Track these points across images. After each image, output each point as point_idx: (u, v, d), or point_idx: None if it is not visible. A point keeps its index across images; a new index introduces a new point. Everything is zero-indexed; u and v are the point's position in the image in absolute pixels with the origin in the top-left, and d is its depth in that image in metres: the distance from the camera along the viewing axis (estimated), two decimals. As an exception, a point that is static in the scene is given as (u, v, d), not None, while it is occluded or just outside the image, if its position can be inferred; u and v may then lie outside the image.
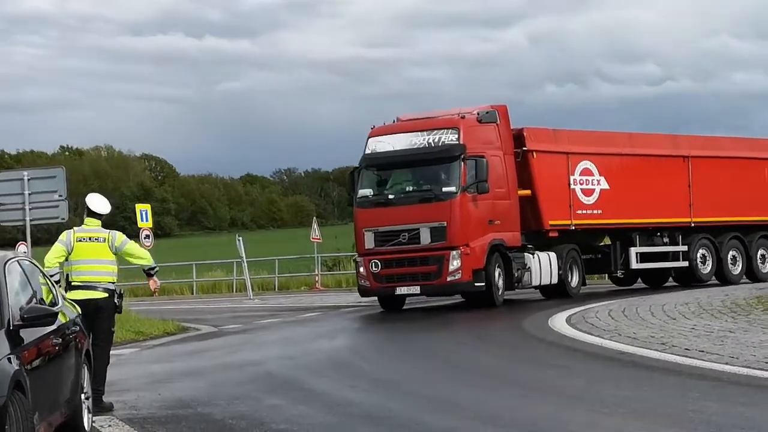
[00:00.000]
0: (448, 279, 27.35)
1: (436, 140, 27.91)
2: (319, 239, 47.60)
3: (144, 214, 41.12)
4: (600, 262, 34.60)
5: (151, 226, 41.72)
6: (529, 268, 29.96)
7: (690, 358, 15.95)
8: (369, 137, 29.20)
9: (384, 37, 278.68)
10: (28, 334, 10.14)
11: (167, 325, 27.96)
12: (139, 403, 14.27)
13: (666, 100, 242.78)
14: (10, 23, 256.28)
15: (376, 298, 29.87)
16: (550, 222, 31.01)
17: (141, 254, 14.66)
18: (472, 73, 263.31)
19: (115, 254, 14.27)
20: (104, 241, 14.15)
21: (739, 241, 35.73)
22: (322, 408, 13.64)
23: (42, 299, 11.34)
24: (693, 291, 30.76)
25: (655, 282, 36.62)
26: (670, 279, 36.60)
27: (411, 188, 28.96)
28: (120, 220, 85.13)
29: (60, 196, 24.76)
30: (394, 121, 29.99)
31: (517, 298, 32.40)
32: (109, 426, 12.46)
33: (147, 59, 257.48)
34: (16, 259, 11.47)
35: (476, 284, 27.55)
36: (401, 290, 28.16)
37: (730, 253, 35.50)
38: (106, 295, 13.99)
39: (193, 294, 50.39)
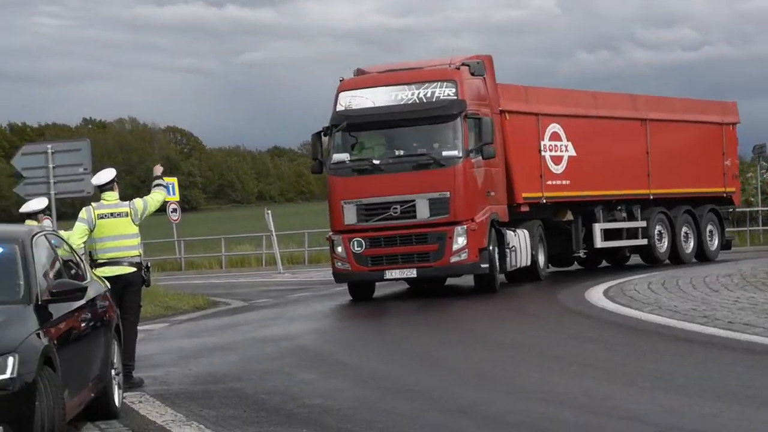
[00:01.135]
0: (452, 260, 23.20)
1: (428, 95, 23.57)
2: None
3: (170, 187, 41.21)
4: (560, 241, 29.52)
5: (178, 199, 42.03)
6: (514, 247, 26.05)
7: (734, 331, 15.89)
8: (339, 92, 24.35)
9: (410, 5, 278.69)
10: (57, 310, 10.20)
11: (197, 299, 28.08)
12: (169, 378, 14.34)
13: (703, 66, 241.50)
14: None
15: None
16: (523, 194, 26.78)
17: (160, 198, 14.88)
18: (502, 41, 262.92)
19: (138, 225, 14.28)
20: (126, 215, 14.18)
21: (690, 216, 32.40)
22: (354, 382, 13.69)
23: (75, 272, 11.36)
24: (736, 262, 30.59)
25: (616, 261, 33.20)
26: (630, 258, 33.28)
27: (401, 152, 24.16)
28: (146, 194, 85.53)
29: (85, 169, 24.75)
30: (354, 73, 25.43)
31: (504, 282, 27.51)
32: (140, 402, 12.53)
33: (168, 29, 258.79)
34: (44, 233, 11.53)
35: (482, 265, 23.60)
36: (392, 274, 23.58)
37: (683, 229, 32.08)
38: (134, 269, 14.04)
39: (222, 268, 50.51)
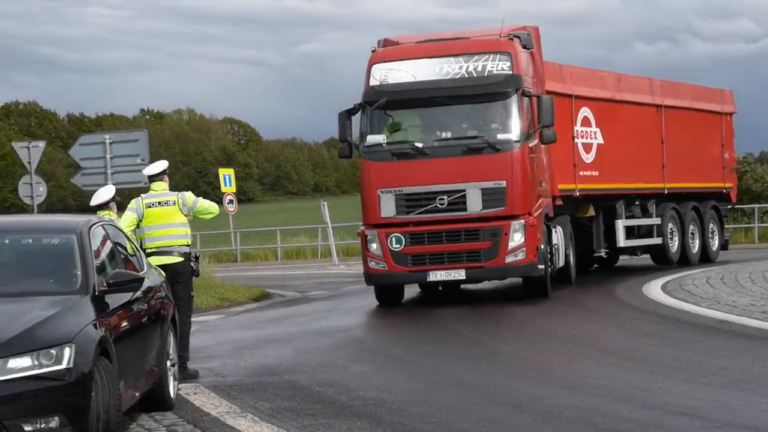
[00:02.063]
0: (507, 259, 19.76)
1: (479, 68, 20.02)
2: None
3: (227, 178, 41.46)
4: (582, 240, 26.08)
5: (234, 191, 42.17)
6: (557, 246, 22.98)
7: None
8: (372, 63, 20.79)
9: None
10: (114, 300, 10.30)
11: (252, 291, 28.14)
12: (224, 370, 14.43)
13: (764, 59, 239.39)
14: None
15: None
16: (559, 186, 23.45)
17: (211, 209, 14.71)
18: (560, 32, 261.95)
19: (186, 215, 14.36)
20: (174, 204, 14.26)
21: (696, 213, 29.70)
22: (409, 375, 13.73)
23: (131, 263, 11.47)
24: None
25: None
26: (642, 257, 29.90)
27: (448, 134, 20.73)
28: (202, 185, 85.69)
29: (142, 159, 24.89)
30: (378, 45, 21.76)
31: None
32: (195, 393, 12.62)
33: (225, 20, 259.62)
34: (101, 223, 11.61)
35: (539, 266, 20.43)
36: (436, 275, 19.98)
37: (690, 227, 29.26)
38: (182, 259, 14.11)
39: (277, 260, 50.56)
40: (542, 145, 21.53)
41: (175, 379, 12.27)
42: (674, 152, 27.96)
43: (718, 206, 31.12)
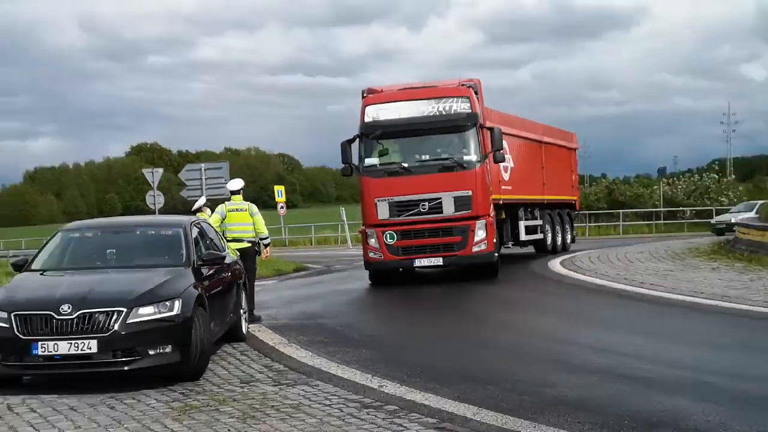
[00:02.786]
0: (474, 249, 18.56)
1: (447, 108, 18.84)
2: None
3: (279, 192, 41.44)
4: (498, 234, 22.25)
5: (284, 200, 42.05)
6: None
7: (643, 289, 15.84)
8: (366, 105, 19.22)
9: (438, 78, 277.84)
10: (206, 271, 10.34)
11: (295, 264, 28.15)
12: (278, 316, 14.42)
13: (626, 117, 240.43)
14: (190, 68, 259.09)
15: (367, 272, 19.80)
16: (492, 196, 20.97)
17: (261, 225, 14.48)
18: (494, 97, 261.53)
19: (252, 217, 14.36)
20: (245, 210, 14.25)
21: (559, 217, 28.37)
22: (399, 320, 13.76)
23: (215, 247, 11.49)
24: (644, 244, 30.36)
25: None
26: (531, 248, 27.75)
27: (426, 156, 19.23)
28: (263, 197, 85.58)
29: (224, 180, 25.02)
30: (364, 92, 19.84)
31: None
32: (259, 331, 12.60)
33: (279, 91, 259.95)
34: (198, 221, 11.68)
35: (495, 254, 19.28)
36: (421, 262, 18.82)
37: (557, 226, 27.92)
38: (250, 244, 14.09)
39: (311, 245, 50.54)
40: (488, 166, 19.53)
41: (245, 322, 12.27)
42: (549, 174, 27.05)
43: (570, 212, 30.36)
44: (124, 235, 10.99)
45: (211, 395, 8.52)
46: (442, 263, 18.80)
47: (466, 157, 18.67)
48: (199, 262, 10.19)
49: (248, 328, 12.41)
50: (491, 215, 19.18)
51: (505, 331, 12.33)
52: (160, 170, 28.03)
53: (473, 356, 10.17)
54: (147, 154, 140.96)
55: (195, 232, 10.89)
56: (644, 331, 11.25)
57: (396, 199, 18.49)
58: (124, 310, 8.73)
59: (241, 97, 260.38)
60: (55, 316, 8.64)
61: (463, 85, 19.31)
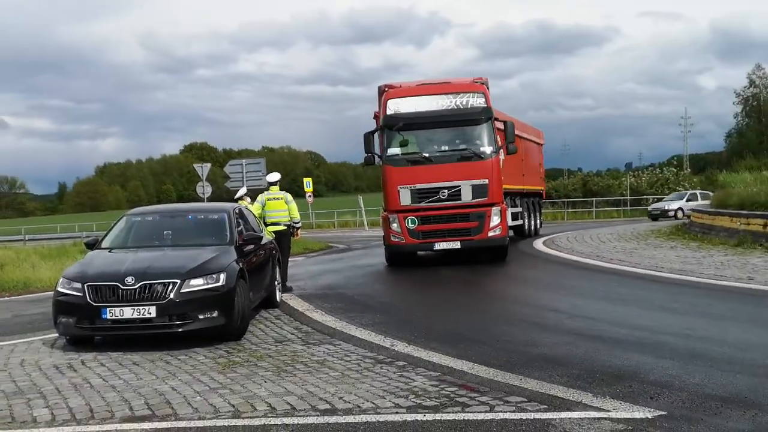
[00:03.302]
0: (489, 234, 17.00)
1: (464, 103, 17.23)
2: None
3: (308, 183, 41.43)
4: None
5: (312, 190, 41.99)
6: None
7: (612, 264, 15.78)
8: (387, 99, 17.43)
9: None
10: (247, 249, 10.32)
11: (321, 244, 28.20)
12: (306, 287, 14.42)
13: (597, 120, 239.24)
14: (232, 79, 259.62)
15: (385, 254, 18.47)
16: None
17: (294, 211, 14.46)
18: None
19: (287, 205, 14.35)
20: (281, 199, 14.24)
21: (532, 205, 27.15)
22: (407, 290, 13.75)
23: (253, 229, 11.51)
24: (613, 227, 30.23)
25: None
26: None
27: (445, 147, 17.32)
28: (294, 187, 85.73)
29: (262, 174, 25.12)
30: (382, 89, 18.06)
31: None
32: (290, 299, 12.59)
33: (306, 98, 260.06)
34: (239, 208, 11.66)
35: (507, 238, 17.72)
36: (440, 246, 17.09)
37: (531, 213, 26.73)
38: (285, 227, 14.09)
39: (335, 228, 50.57)
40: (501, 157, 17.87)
41: (279, 292, 12.29)
42: (527, 166, 25.84)
43: (539, 201, 29.22)
44: (178, 219, 10.99)
45: (250, 352, 8.55)
46: (459, 246, 17.09)
47: (482, 148, 17.03)
48: (240, 242, 10.19)
49: (281, 296, 12.44)
50: (504, 202, 17.83)
51: (497, 299, 12.33)
52: (208, 165, 28.07)
53: (470, 321, 10.16)
54: (197, 151, 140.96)
55: (237, 216, 10.90)
56: (611, 299, 11.21)
57: (418, 186, 16.96)
58: (178, 281, 8.76)
59: (274, 103, 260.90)
60: (121, 286, 8.69)
61: (476, 81, 17.75)
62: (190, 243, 10.03)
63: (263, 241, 11.39)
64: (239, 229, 10.58)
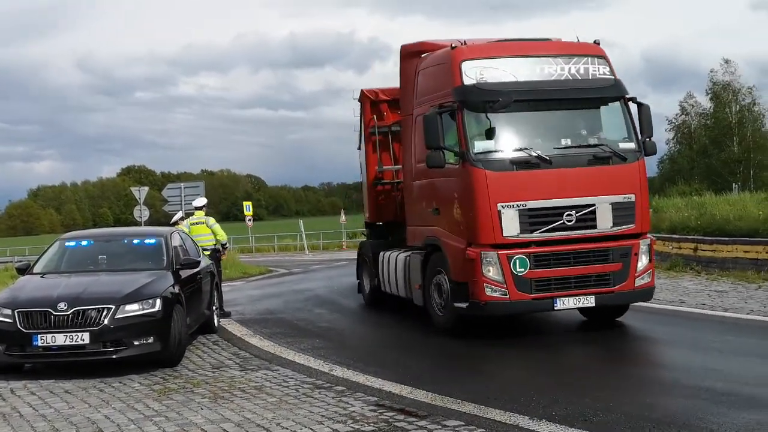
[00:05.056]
0: (637, 283, 10.07)
1: (581, 71, 10.33)
2: (344, 221, 47.61)
3: (247, 207, 41.30)
4: None
5: (252, 214, 41.92)
6: None
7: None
8: (461, 60, 10.18)
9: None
10: (184, 273, 10.20)
11: (260, 268, 27.91)
12: (244, 311, 14.29)
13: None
14: (172, 101, 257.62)
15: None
16: None
17: (219, 234, 14.30)
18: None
19: (210, 229, 14.21)
20: (203, 223, 14.10)
21: None
22: (346, 315, 13.62)
23: (191, 253, 11.37)
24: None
25: None
26: None
27: (567, 141, 10.22)
28: (234, 211, 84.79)
29: (200, 197, 24.88)
30: (410, 50, 11.81)
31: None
32: (228, 324, 12.46)
33: (247, 122, 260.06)
34: (177, 231, 11.58)
35: (654, 289, 10.61)
36: (564, 303, 9.79)
37: None
38: (209, 252, 13.80)
39: (275, 251, 50.19)
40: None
41: (217, 317, 12.15)
42: None
43: None
44: (114, 244, 10.86)
45: (187, 379, 8.42)
46: (594, 304, 10.00)
47: (622, 145, 10.30)
48: (178, 266, 10.06)
49: (219, 321, 12.30)
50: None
51: (425, 326, 12.30)
52: (146, 188, 27.80)
53: (407, 343, 10.17)
54: (135, 174, 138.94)
55: (174, 240, 10.77)
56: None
57: (531, 204, 9.80)
58: (113, 306, 8.61)
59: (215, 126, 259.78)
60: (53, 312, 8.50)
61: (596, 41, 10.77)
62: (126, 268, 9.88)
63: (201, 266, 11.26)
64: (176, 253, 10.45)
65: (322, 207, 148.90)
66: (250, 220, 42.07)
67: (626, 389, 7.20)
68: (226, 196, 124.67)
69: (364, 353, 9.44)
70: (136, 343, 8.66)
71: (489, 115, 9.97)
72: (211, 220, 14.28)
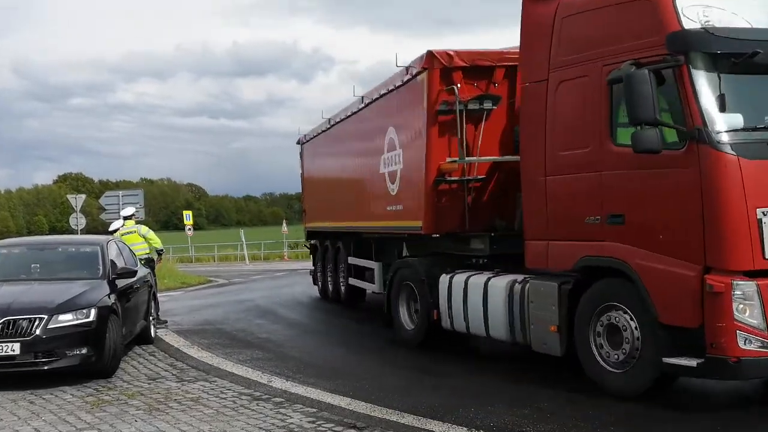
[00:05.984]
0: None
1: None
2: (286, 232, 47.32)
3: (188, 216, 40.85)
4: None
5: (192, 223, 41.47)
6: None
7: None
8: None
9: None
10: (120, 283, 10.03)
11: (199, 278, 27.55)
12: (182, 322, 14.11)
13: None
14: (110, 108, 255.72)
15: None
16: None
17: (155, 240, 14.18)
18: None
19: (143, 237, 14.06)
20: (135, 232, 14.01)
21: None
22: (286, 326, 13.57)
23: (127, 262, 11.19)
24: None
25: None
26: None
27: None
28: (174, 220, 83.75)
29: (140, 205, 24.41)
30: None
31: None
32: (165, 335, 12.30)
33: (188, 130, 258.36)
34: (114, 240, 11.39)
35: None
36: None
37: None
38: (144, 260, 13.59)
39: (215, 261, 49.63)
40: None
41: (154, 327, 11.96)
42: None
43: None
44: (48, 252, 10.64)
45: (122, 390, 8.25)
46: None
47: None
48: (114, 275, 9.88)
49: (156, 332, 12.10)
50: None
51: (366, 337, 12.30)
52: (83, 196, 27.19)
53: (345, 357, 10.15)
54: (72, 182, 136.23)
55: (111, 249, 10.57)
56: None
57: None
58: (45, 317, 8.40)
59: (154, 134, 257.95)
60: (-18, 322, 8.25)
61: None
62: (60, 277, 9.67)
63: (138, 275, 11.07)
64: (113, 262, 10.26)
65: (263, 217, 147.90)
66: (190, 229, 41.57)
67: (578, 402, 7.28)
68: (166, 205, 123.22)
69: (303, 364, 9.39)
70: (69, 354, 8.46)
71: (724, 76, 6.29)
72: (144, 228, 14.15)
